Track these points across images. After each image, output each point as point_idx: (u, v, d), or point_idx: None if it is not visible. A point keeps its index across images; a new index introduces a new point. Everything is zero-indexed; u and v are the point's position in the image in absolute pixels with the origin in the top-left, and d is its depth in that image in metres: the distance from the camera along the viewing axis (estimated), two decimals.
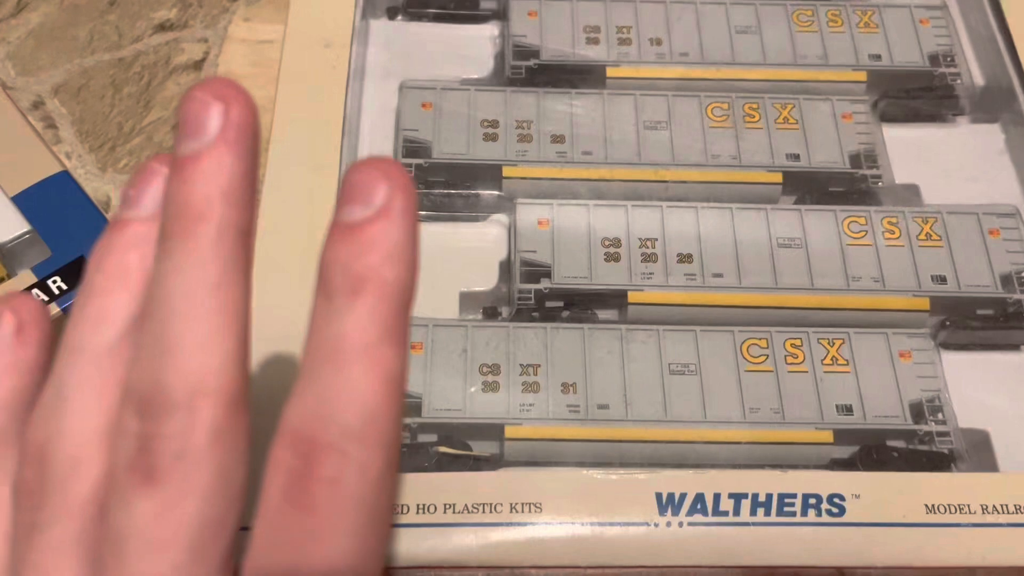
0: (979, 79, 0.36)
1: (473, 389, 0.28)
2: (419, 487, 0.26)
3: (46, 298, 0.30)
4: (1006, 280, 0.30)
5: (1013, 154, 0.34)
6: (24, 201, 0.32)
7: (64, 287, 0.30)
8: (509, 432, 0.28)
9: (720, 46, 0.35)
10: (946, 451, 0.28)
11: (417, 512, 0.25)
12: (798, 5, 0.36)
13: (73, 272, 0.30)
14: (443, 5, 0.37)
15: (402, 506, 0.25)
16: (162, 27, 0.41)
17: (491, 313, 0.31)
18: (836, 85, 0.35)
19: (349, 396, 0.14)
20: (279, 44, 0.37)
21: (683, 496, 0.26)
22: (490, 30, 0.37)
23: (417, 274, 0.15)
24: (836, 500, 0.26)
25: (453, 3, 0.37)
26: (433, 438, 0.28)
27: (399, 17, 0.37)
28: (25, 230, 0.32)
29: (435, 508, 0.25)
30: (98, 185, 0.37)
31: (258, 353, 0.28)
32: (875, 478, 0.26)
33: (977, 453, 0.28)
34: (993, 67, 0.35)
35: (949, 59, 0.35)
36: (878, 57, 0.35)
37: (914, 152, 0.34)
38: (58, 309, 0.30)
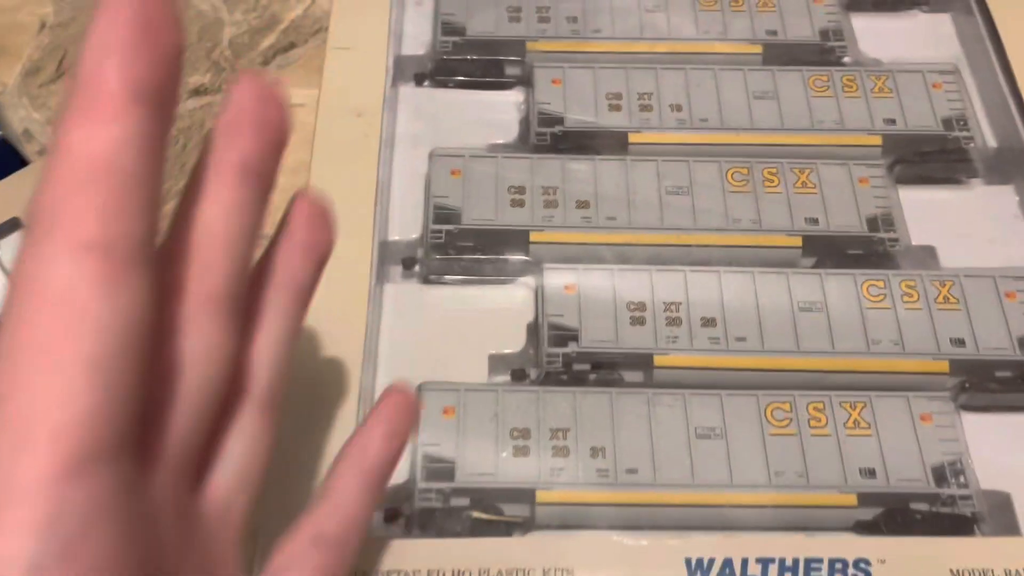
0: (992, 142, 0.36)
1: (504, 454, 0.29)
2: (454, 552, 0.26)
3: None
4: (1023, 343, 0.31)
5: None
6: None
7: None
8: (540, 497, 0.28)
9: (739, 111, 0.36)
10: (969, 514, 0.28)
11: None
12: (813, 71, 0.37)
13: None
14: (469, 72, 0.38)
15: (438, 571, 0.26)
16: (197, 92, 0.43)
17: (519, 375, 0.32)
18: (852, 149, 0.36)
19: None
20: (309, 107, 0.38)
21: (711, 561, 0.26)
22: (515, 96, 0.38)
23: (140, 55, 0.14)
24: (862, 565, 0.26)
25: (479, 70, 0.38)
26: (466, 502, 0.28)
27: (426, 83, 0.39)
28: None
29: (470, 574, 0.26)
30: None
31: (291, 407, 0.29)
32: (900, 543, 0.27)
33: (999, 515, 0.29)
34: (1006, 130, 0.36)
35: (962, 123, 0.36)
36: (892, 121, 0.36)
37: (930, 214, 0.35)
38: None
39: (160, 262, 0.15)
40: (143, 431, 0.15)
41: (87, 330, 0.14)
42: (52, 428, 0.13)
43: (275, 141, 0.18)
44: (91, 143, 0.14)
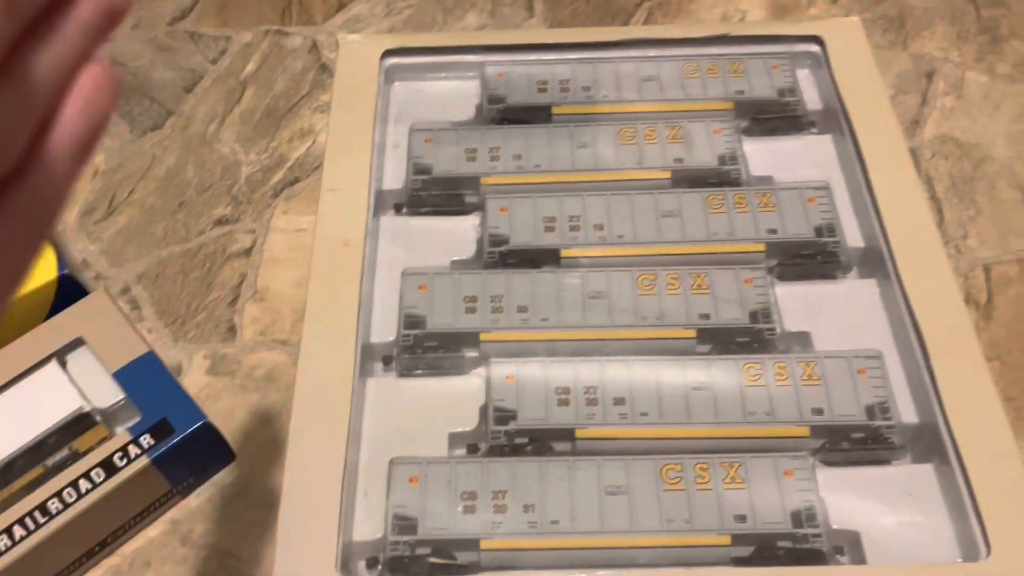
0: (859, 243, 0.45)
1: (457, 511, 0.37)
2: None
3: (139, 451, 0.40)
4: (870, 410, 0.39)
5: (885, 306, 0.43)
6: (120, 376, 0.42)
7: (152, 441, 0.40)
8: (484, 544, 0.36)
9: (648, 228, 0.45)
10: (822, 550, 0.36)
11: None
12: (711, 191, 0.46)
13: (159, 431, 0.40)
14: (435, 203, 0.48)
15: None
16: (219, 222, 0.52)
17: (473, 448, 0.40)
18: (741, 255, 0.44)
19: None
20: (310, 231, 0.48)
21: None
22: (473, 221, 0.47)
23: None
24: None
25: (443, 201, 0.48)
26: (427, 551, 0.37)
27: (404, 211, 0.48)
28: (121, 398, 0.42)
29: None
30: (172, 354, 0.48)
31: (284, 480, 0.37)
32: (764, 573, 0.35)
33: (851, 549, 0.37)
34: (870, 233, 0.45)
35: (831, 230, 0.45)
36: (774, 231, 0.45)
37: (807, 305, 0.43)
38: (147, 459, 0.40)
39: None
40: None
41: None
42: None
43: None
44: None
